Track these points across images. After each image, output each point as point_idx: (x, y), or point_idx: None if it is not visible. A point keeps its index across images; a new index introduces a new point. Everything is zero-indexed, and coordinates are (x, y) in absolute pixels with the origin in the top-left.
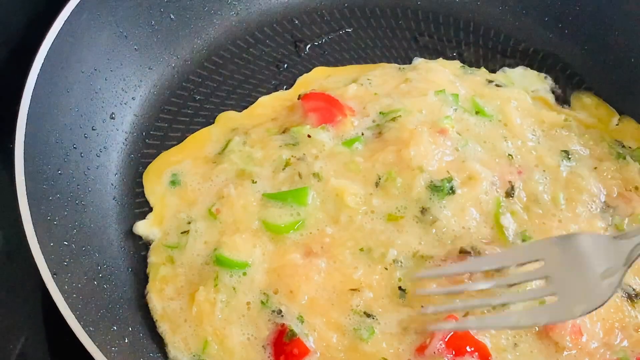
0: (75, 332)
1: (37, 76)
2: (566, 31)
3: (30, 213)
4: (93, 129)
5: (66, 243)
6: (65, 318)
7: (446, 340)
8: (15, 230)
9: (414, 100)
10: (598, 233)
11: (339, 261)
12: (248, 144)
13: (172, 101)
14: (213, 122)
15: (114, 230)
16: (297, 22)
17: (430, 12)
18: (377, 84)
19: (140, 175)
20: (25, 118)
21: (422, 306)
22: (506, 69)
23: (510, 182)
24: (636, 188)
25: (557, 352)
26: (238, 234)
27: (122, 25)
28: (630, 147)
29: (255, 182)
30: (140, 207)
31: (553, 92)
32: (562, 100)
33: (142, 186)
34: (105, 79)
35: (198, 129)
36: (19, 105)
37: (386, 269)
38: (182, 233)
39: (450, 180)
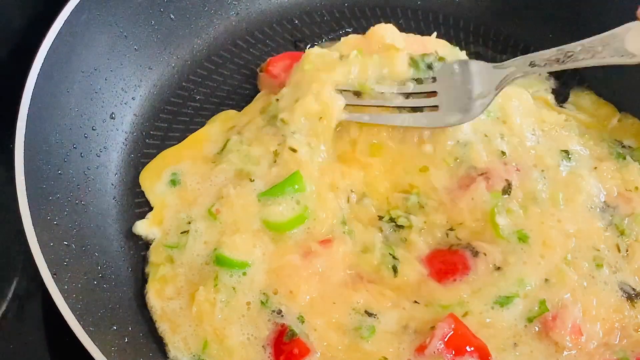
0: (75, 332)
1: (37, 76)
2: (566, 31)
3: (30, 213)
4: (93, 129)
5: (66, 243)
6: (65, 318)
7: (446, 340)
8: (15, 231)
9: None
10: (485, 62)
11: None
12: (245, 143)
13: (172, 101)
14: None
15: (114, 230)
16: (297, 22)
17: (430, 12)
18: None
19: None
20: (25, 118)
21: None
22: None
23: (507, 180)
24: (636, 188)
25: (557, 352)
26: (238, 234)
27: (122, 25)
28: (630, 147)
29: (253, 180)
30: (140, 207)
31: (553, 92)
32: (562, 100)
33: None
34: (105, 79)
35: (198, 129)
36: (19, 105)
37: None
38: (182, 233)
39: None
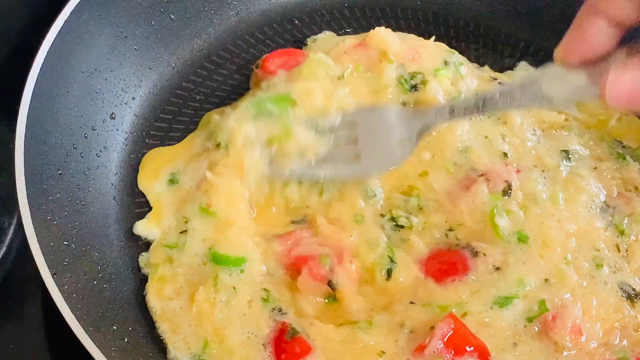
0: (75, 332)
1: (37, 76)
2: (566, 30)
3: (30, 213)
4: (93, 129)
5: (66, 243)
6: (65, 318)
7: (445, 339)
8: (15, 230)
9: None
10: (403, 107)
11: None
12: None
13: (172, 101)
14: None
15: (114, 230)
16: (297, 22)
17: (431, 12)
18: None
19: None
20: (25, 118)
21: None
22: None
23: (507, 181)
24: (636, 188)
25: (556, 352)
26: (230, 229)
27: (122, 25)
28: (630, 147)
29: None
30: (140, 207)
31: None
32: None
33: None
34: (105, 79)
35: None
36: (19, 105)
37: None
38: (180, 232)
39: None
